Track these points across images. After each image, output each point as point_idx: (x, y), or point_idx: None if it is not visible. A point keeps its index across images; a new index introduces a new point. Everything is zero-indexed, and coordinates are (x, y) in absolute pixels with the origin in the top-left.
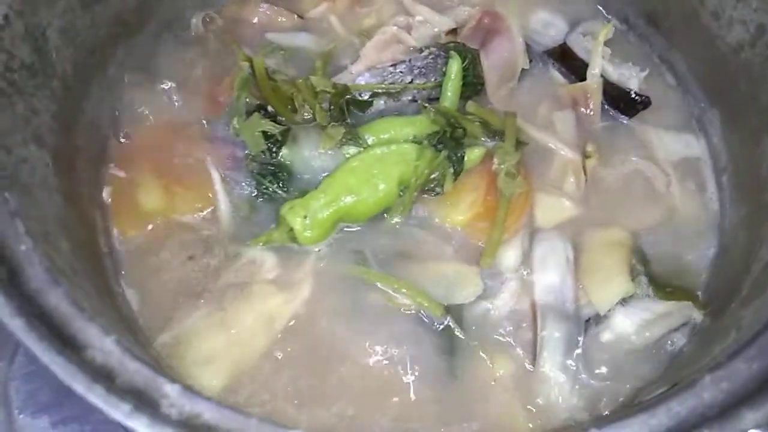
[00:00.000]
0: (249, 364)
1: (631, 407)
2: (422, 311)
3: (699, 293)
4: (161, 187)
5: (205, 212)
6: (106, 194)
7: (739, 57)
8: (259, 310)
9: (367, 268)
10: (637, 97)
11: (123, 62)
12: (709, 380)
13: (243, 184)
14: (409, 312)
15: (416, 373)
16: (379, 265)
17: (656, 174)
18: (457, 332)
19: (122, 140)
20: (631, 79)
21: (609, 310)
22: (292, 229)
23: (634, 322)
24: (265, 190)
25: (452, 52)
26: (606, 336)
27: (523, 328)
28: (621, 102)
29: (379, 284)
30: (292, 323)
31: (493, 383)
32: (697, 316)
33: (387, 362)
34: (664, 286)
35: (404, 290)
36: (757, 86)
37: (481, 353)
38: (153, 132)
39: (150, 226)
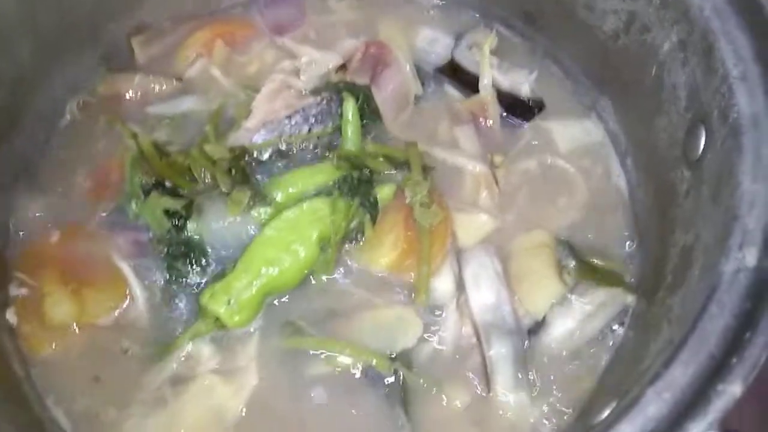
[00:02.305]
0: None
1: None
2: (369, 368)
3: (629, 278)
4: (69, 293)
5: (121, 310)
6: (10, 315)
7: (617, 44)
8: (206, 405)
9: (304, 336)
10: (531, 102)
11: (2, 169)
12: (651, 393)
13: (154, 269)
14: (355, 371)
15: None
16: (315, 329)
17: (564, 167)
18: (408, 378)
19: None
20: (523, 84)
21: (547, 316)
22: (217, 317)
23: (573, 320)
24: (178, 274)
25: (345, 94)
26: (550, 341)
27: (473, 354)
28: (517, 109)
29: (320, 351)
30: (243, 414)
31: (451, 419)
32: (631, 300)
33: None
34: (595, 272)
35: (347, 351)
36: (638, 70)
37: (434, 391)
38: (49, 236)
39: (65, 338)
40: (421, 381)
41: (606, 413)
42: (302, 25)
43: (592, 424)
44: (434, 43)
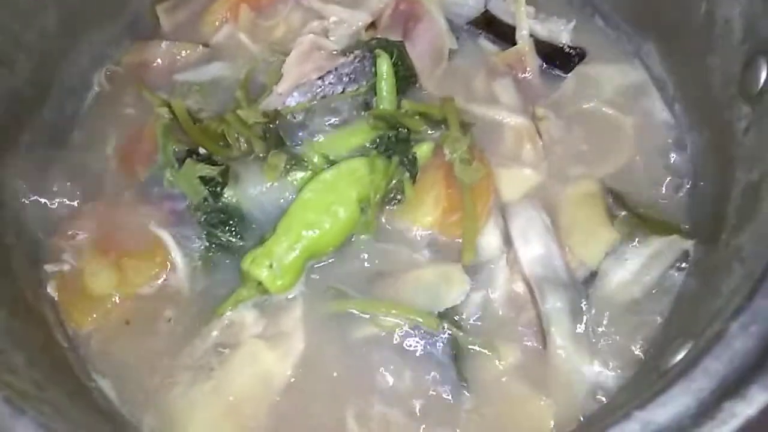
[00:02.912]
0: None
1: (665, 375)
2: (416, 327)
3: (684, 225)
4: (108, 264)
5: (161, 278)
6: (51, 288)
7: None
8: (253, 371)
9: (349, 299)
10: (571, 51)
11: (33, 142)
12: (736, 327)
13: (193, 237)
14: (403, 332)
15: (430, 395)
16: (359, 292)
17: (609, 114)
18: (458, 337)
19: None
20: (561, 33)
21: (601, 266)
22: (259, 282)
23: (630, 270)
24: (218, 241)
25: (378, 51)
26: (607, 291)
27: (525, 310)
28: (556, 59)
29: (365, 313)
30: (291, 379)
31: (506, 375)
32: (689, 246)
33: (397, 395)
34: (647, 222)
35: (393, 311)
36: (685, 10)
37: (486, 351)
38: (85, 209)
39: (107, 308)
40: (470, 338)
41: (681, 355)
42: None
43: (667, 367)
44: None
